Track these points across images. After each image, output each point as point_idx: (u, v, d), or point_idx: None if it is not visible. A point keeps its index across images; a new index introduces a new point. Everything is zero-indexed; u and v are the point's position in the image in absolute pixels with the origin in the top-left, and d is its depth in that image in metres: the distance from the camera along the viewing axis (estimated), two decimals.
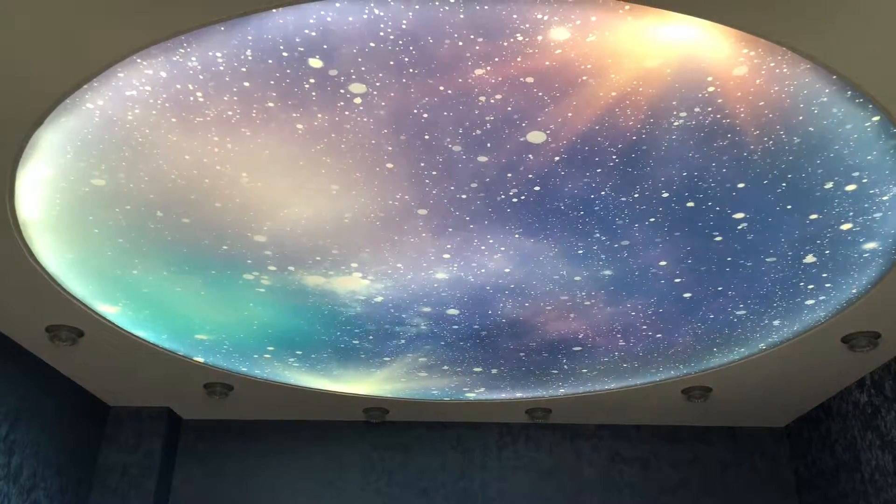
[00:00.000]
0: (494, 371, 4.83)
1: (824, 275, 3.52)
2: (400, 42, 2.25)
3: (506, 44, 2.24)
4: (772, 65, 2.30)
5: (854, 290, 3.67)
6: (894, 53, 2.23)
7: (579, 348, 4.43)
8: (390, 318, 4.06)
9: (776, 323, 4.03)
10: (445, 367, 4.79)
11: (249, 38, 2.24)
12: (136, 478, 5.38)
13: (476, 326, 4.16)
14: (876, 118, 2.51)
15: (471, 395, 5.32)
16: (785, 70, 2.32)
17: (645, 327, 4.12)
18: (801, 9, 2.08)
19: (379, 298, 3.85)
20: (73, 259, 3.52)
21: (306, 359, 4.67)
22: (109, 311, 4.05)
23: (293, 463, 5.75)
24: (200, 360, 4.71)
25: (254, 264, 3.52)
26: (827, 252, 3.33)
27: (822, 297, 3.74)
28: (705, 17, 2.10)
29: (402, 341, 4.37)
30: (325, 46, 2.27)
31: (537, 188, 2.91)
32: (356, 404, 5.48)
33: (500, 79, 2.38)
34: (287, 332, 4.28)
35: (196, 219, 3.16)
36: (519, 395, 5.28)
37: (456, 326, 4.17)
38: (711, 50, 2.25)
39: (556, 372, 4.83)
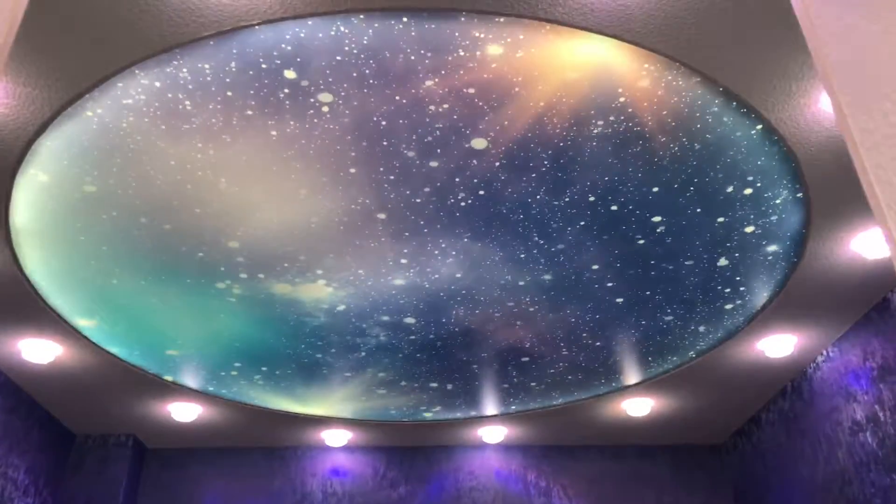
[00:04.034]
0: (450, 387, 5.16)
1: (738, 278, 3.99)
2: (362, 56, 2.69)
3: (450, 58, 2.70)
4: (669, 78, 2.80)
5: (766, 294, 4.14)
6: (770, 65, 2.75)
7: (527, 359, 4.80)
8: (352, 328, 4.40)
9: (701, 329, 4.47)
10: (403, 383, 5.10)
11: (234, 51, 2.66)
12: None
13: (431, 336, 4.52)
14: (759, 126, 3.02)
15: (428, 415, 5.62)
16: (680, 83, 2.82)
17: (585, 335, 4.53)
18: (687, 27, 2.58)
19: (341, 307, 4.19)
20: (58, 268, 3.81)
21: (271, 376, 4.95)
22: (86, 324, 4.31)
23: (256, 489, 5.92)
24: (170, 378, 4.95)
25: (227, 271, 3.85)
26: (737, 255, 3.81)
27: (738, 301, 4.21)
28: (610, 35, 2.59)
29: (363, 353, 4.70)
30: (298, 59, 2.70)
31: (482, 192, 3.34)
32: (317, 426, 5.72)
33: (446, 90, 2.83)
34: (254, 346, 4.57)
35: (176, 225, 3.51)
36: (473, 413, 5.59)
37: (413, 337, 4.52)
38: (619, 64, 2.74)
39: (507, 386, 5.18)
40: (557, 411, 5.53)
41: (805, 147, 3.10)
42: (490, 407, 5.51)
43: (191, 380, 5.00)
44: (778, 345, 4.56)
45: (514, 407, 5.52)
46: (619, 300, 4.17)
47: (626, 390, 5.24)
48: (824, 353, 4.73)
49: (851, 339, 4.47)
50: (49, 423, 5.39)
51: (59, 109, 2.85)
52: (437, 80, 2.79)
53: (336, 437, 5.84)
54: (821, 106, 2.90)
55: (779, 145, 3.11)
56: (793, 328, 4.46)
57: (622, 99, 2.88)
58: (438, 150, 3.11)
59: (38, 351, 4.45)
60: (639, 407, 5.40)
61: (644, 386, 5.18)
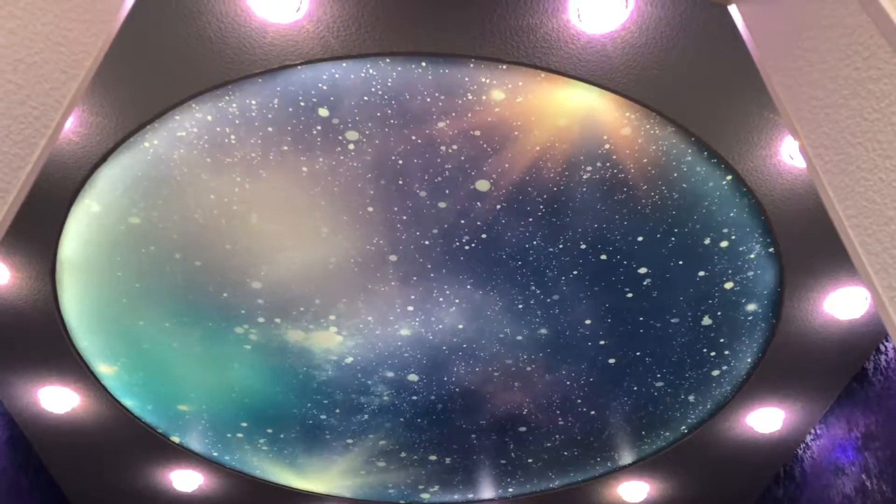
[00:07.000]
0: (448, 461, 5.27)
1: (721, 340, 4.27)
2: (385, 97, 3.17)
3: (460, 101, 3.18)
4: (647, 126, 3.26)
5: (749, 360, 4.40)
6: (735, 116, 3.21)
7: (524, 428, 4.96)
8: (357, 384, 4.62)
9: (691, 398, 4.67)
10: (403, 454, 5.21)
11: (278, 88, 3.15)
12: None
13: (433, 397, 4.72)
14: (729, 177, 3.45)
15: (426, 496, 5.65)
16: (657, 131, 3.28)
17: (580, 401, 4.72)
18: (660, 77, 3.07)
19: (349, 359, 4.45)
20: (90, 307, 4.12)
21: (276, 440, 5.09)
22: (107, 371, 4.55)
23: None
24: (176, 439, 5.09)
25: (246, 314, 4.16)
26: (719, 314, 4.11)
27: (724, 367, 4.45)
28: (596, 84, 3.08)
29: (366, 416, 4.87)
30: (332, 98, 3.18)
31: (484, 236, 3.72)
32: None
33: (456, 131, 3.29)
34: (262, 402, 4.77)
35: (207, 262, 3.86)
36: (471, 495, 5.64)
37: (415, 397, 4.72)
38: (604, 112, 3.21)
39: (504, 462, 5.28)
40: (554, 497, 5.57)
41: (771, 199, 3.51)
42: (487, 489, 5.56)
43: (196, 442, 5.13)
44: (766, 419, 4.73)
45: (511, 489, 5.57)
46: (612, 360, 4.42)
47: (621, 472, 5.33)
48: (812, 431, 4.89)
49: (836, 412, 4.66)
50: (51, 488, 5.45)
51: (123, 139, 3.31)
52: (448, 121, 3.26)
53: None
54: (781, 157, 3.34)
55: (748, 197, 3.52)
56: (779, 401, 4.65)
57: (607, 146, 3.34)
58: (447, 191, 3.53)
59: (56, 400, 4.65)
60: (635, 492, 5.45)
61: (639, 467, 5.27)
